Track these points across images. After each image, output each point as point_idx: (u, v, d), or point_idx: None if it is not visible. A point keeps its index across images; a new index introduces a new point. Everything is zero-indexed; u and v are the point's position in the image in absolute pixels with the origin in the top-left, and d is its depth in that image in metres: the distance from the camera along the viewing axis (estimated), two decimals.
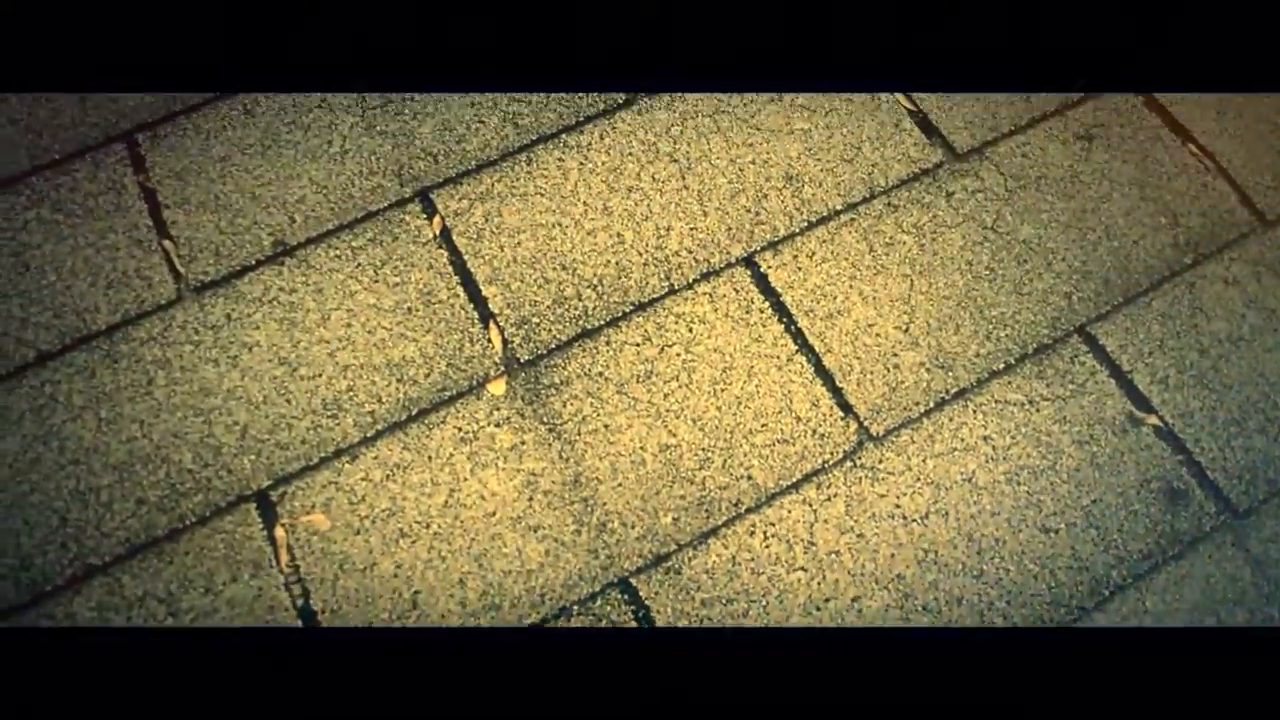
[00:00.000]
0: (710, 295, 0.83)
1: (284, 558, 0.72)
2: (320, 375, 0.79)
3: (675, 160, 0.88)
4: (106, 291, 0.81)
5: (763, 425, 0.78)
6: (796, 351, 0.81)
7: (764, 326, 0.82)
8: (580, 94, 0.90)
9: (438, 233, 0.84)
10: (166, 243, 0.83)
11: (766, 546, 0.74)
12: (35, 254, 0.83)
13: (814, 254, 0.85)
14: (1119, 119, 0.94)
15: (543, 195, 0.86)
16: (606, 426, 0.78)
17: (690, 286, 0.83)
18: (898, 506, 0.76)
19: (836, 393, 0.80)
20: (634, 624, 0.71)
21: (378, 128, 0.89)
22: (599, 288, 0.82)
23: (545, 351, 0.80)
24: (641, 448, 0.77)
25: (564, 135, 0.89)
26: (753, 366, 0.80)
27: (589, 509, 0.75)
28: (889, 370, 0.81)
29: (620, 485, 0.76)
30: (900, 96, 0.92)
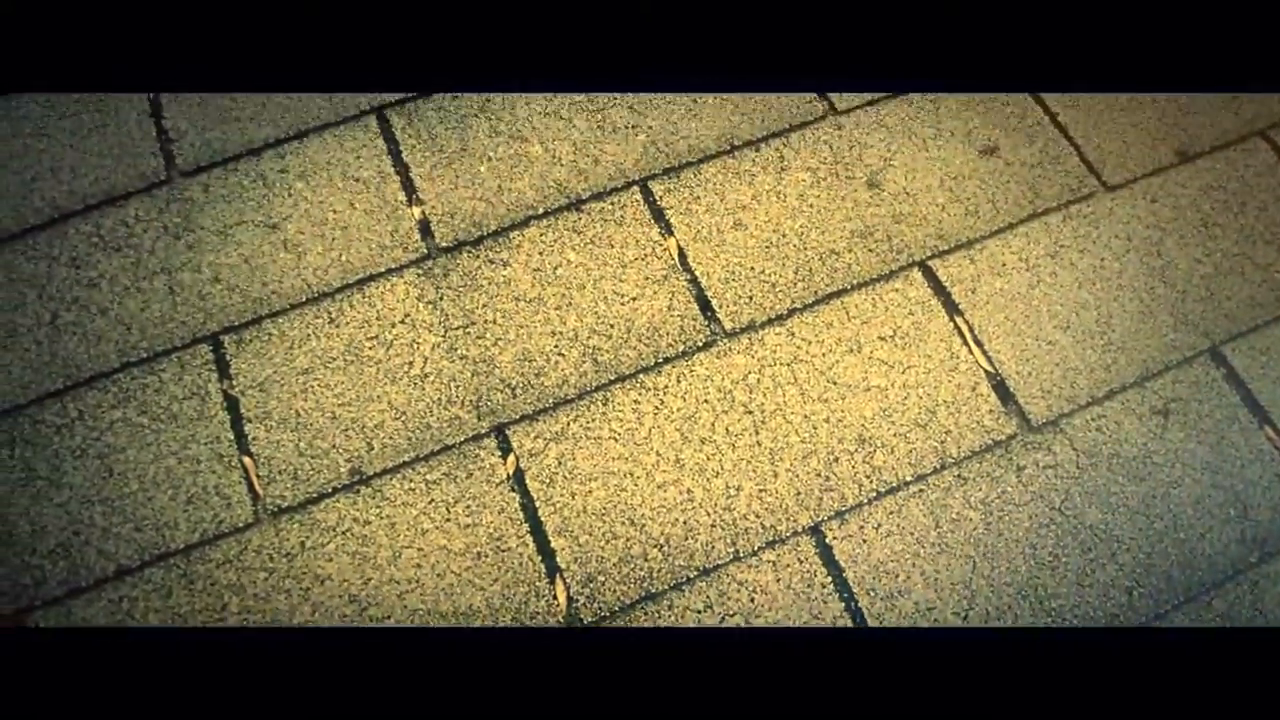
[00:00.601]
0: (774, 564, 0.87)
1: None
2: (388, 619, 0.83)
3: (750, 412, 0.92)
4: (186, 507, 0.87)
5: None
6: None
7: (824, 603, 0.86)
8: (660, 332, 0.94)
9: (511, 473, 0.88)
10: (247, 460, 0.88)
11: None
12: (119, 459, 0.88)
13: (880, 526, 0.89)
14: (1198, 393, 0.96)
15: (616, 440, 0.90)
16: None
17: (755, 554, 0.87)
18: None
19: None
20: None
21: (459, 351, 0.93)
22: (665, 548, 0.87)
23: (608, 614, 0.84)
24: None
25: (642, 376, 0.93)
26: None
27: None
28: None
29: None
30: (979, 355, 0.96)
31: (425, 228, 0.98)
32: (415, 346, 0.93)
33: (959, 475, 0.91)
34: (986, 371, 0.96)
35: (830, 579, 0.87)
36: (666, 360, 0.94)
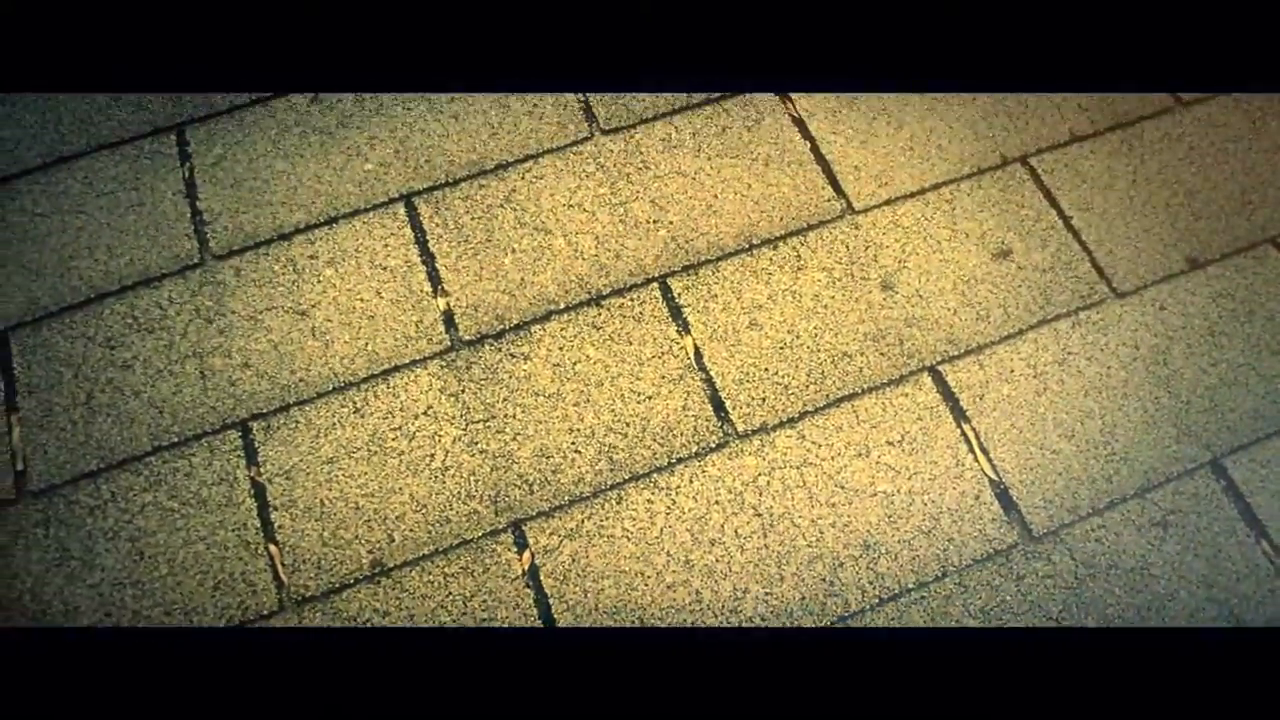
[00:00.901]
0: None
1: None
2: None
3: (759, 514, 0.96)
4: (214, 593, 0.91)
5: None
6: None
7: None
8: (674, 432, 0.98)
9: (526, 569, 0.93)
10: (273, 547, 0.93)
11: None
12: (150, 542, 0.93)
13: None
14: (1197, 506, 1.00)
15: (629, 539, 0.94)
16: None
17: None
18: None
19: None
20: None
21: (479, 445, 0.97)
22: None
23: None
24: None
25: (655, 475, 0.97)
26: None
27: None
28: None
29: None
30: (984, 463, 0.99)
31: (449, 319, 1.03)
32: (437, 439, 0.98)
33: (960, 583, 0.95)
34: (991, 479, 0.99)
35: None
36: (680, 460, 0.98)
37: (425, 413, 0.99)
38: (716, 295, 1.05)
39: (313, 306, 1.03)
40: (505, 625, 0.91)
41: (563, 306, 1.04)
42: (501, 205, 1.08)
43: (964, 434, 1.01)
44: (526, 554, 0.94)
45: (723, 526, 0.96)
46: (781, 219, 1.09)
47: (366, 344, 1.01)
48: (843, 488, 0.98)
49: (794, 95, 1.16)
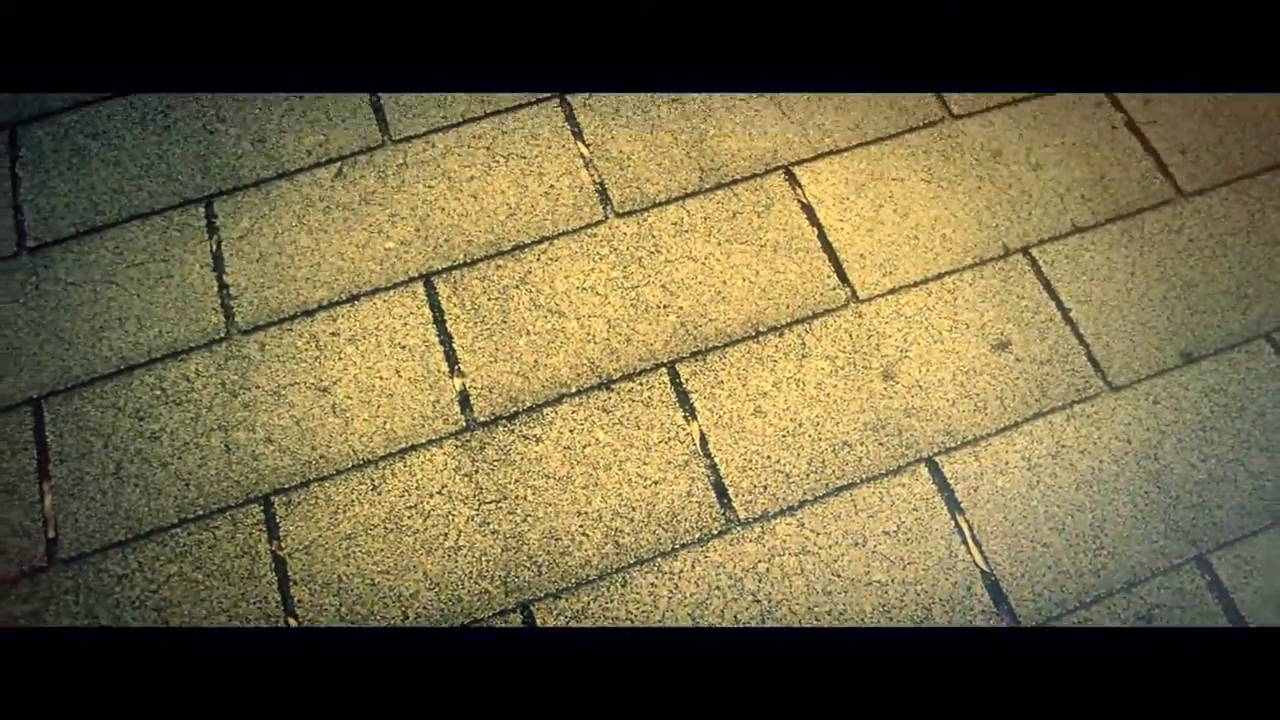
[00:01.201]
0: None
1: None
2: None
3: (758, 601, 1.00)
4: None
5: None
6: None
7: None
8: (678, 518, 1.03)
9: None
10: (291, 621, 0.98)
11: None
12: (174, 613, 0.98)
13: None
14: (1181, 600, 1.04)
15: (632, 622, 0.99)
16: None
17: None
18: None
19: None
20: None
21: (491, 525, 1.02)
22: None
23: None
24: None
25: (659, 559, 1.01)
26: None
27: None
28: None
29: None
30: (977, 555, 1.04)
31: (465, 400, 1.07)
32: (450, 519, 1.02)
33: None
34: (982, 571, 1.04)
35: None
36: (683, 546, 1.02)
37: (440, 492, 1.04)
38: (723, 382, 1.10)
39: (334, 383, 1.08)
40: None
41: (574, 390, 1.08)
42: (517, 286, 1.13)
43: (958, 525, 1.05)
44: None
45: (722, 612, 1.01)
46: (788, 306, 1.13)
47: (385, 422, 1.06)
48: (839, 576, 1.03)
49: (803, 181, 1.20)
